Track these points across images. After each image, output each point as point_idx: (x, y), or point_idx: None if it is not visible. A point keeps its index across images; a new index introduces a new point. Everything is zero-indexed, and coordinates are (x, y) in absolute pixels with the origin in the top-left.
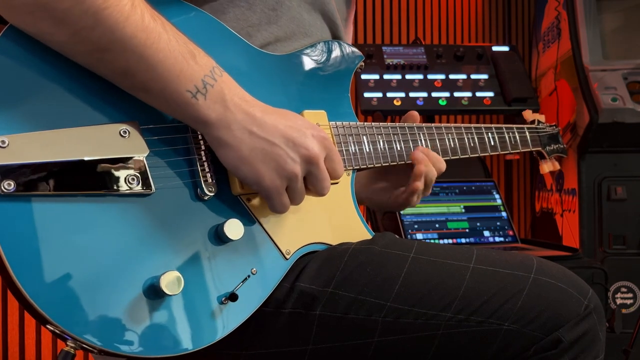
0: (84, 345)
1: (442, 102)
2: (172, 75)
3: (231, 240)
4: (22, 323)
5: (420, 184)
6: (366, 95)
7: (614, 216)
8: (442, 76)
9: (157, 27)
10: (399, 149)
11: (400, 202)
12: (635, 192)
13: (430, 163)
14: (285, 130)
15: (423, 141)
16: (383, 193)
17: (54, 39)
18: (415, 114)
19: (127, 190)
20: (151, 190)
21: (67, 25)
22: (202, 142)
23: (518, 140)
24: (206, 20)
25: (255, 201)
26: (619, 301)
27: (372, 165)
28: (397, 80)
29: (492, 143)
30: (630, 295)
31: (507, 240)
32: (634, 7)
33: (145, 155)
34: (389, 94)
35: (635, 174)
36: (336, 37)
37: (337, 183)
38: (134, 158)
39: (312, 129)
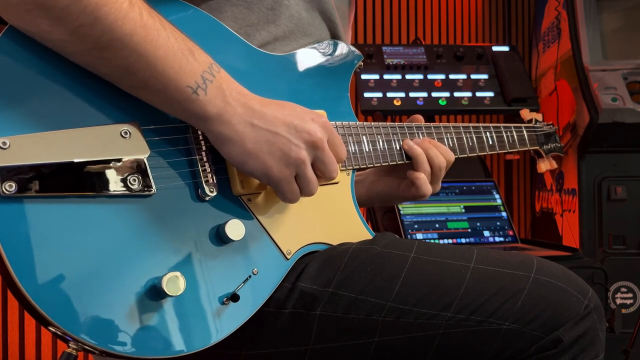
0: (86, 347)
1: (442, 102)
2: (172, 72)
3: (232, 240)
4: (22, 323)
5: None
6: (366, 95)
7: (614, 216)
8: (442, 76)
9: (156, 24)
10: (398, 148)
11: (409, 187)
12: (635, 192)
13: (438, 151)
14: (286, 119)
15: None
16: (392, 182)
17: (53, 38)
18: (419, 117)
19: (128, 191)
20: (152, 191)
21: (65, 23)
22: (203, 142)
23: (516, 139)
24: (205, 19)
25: (256, 201)
26: (619, 301)
27: (372, 165)
28: (397, 80)
29: (491, 142)
30: (630, 295)
31: (507, 240)
32: (634, 7)
33: (147, 156)
34: (389, 94)
35: (635, 174)
36: (335, 36)
37: (337, 183)
38: (135, 159)
39: (311, 114)
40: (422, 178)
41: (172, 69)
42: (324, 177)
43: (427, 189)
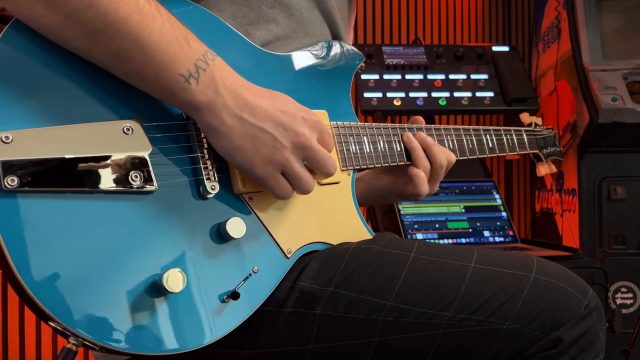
0: (86, 342)
1: (442, 102)
2: (165, 59)
3: (233, 238)
4: (22, 322)
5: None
6: (366, 95)
7: (614, 216)
8: (442, 76)
9: (152, 9)
10: (399, 149)
11: (406, 184)
12: (635, 192)
13: (440, 151)
14: (276, 115)
15: None
16: (389, 179)
17: (48, 22)
18: (420, 118)
19: (129, 187)
20: (154, 187)
21: (60, 6)
22: (205, 140)
23: (516, 143)
24: (205, 16)
25: (257, 200)
26: (619, 301)
27: (373, 166)
28: (397, 80)
29: (490, 145)
30: (630, 295)
31: (507, 240)
32: (634, 7)
33: (149, 152)
34: (389, 94)
35: (635, 174)
36: (336, 36)
37: (337, 183)
38: (137, 155)
39: (302, 112)
40: (422, 176)
41: (166, 55)
42: (321, 173)
43: (424, 188)
